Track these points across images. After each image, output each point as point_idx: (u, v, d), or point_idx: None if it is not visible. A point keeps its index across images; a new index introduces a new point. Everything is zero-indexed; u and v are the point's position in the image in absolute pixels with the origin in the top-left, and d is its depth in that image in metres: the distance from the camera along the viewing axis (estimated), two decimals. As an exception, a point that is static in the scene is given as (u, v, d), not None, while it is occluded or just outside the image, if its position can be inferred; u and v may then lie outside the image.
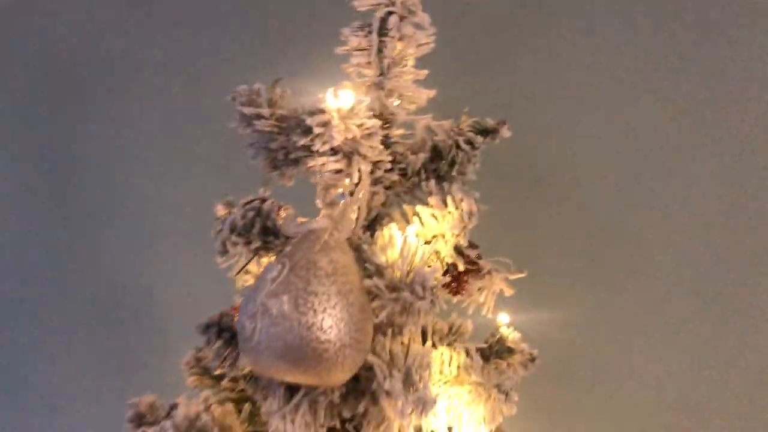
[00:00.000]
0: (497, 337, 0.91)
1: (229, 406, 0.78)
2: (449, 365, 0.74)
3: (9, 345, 1.60)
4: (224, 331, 0.75)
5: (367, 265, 0.72)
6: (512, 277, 0.88)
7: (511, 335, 0.92)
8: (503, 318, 0.93)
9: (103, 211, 1.55)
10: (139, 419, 0.83)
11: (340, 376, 0.67)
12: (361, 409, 0.72)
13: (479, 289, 0.87)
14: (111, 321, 1.55)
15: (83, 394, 1.56)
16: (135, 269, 1.55)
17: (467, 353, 0.79)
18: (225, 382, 0.90)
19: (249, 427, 0.80)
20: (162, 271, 1.53)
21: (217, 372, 0.90)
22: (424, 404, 0.68)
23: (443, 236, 0.76)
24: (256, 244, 0.75)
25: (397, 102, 0.83)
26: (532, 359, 0.91)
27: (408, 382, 0.69)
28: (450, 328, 0.88)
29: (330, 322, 0.63)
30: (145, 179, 1.54)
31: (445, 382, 0.74)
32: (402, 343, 0.72)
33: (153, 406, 0.84)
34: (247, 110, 0.77)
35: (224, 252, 0.75)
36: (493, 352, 0.88)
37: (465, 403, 0.72)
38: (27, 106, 1.56)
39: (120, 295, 1.55)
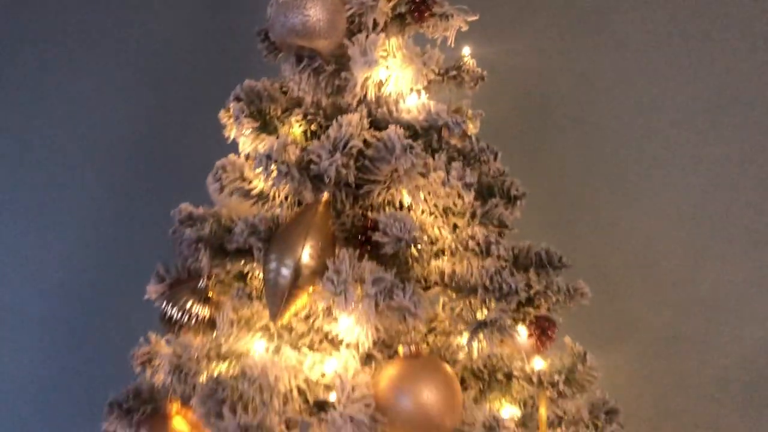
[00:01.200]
0: (459, 63, 1.33)
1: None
2: (396, 50, 1.19)
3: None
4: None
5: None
6: (469, 18, 1.29)
7: (470, 62, 1.33)
8: (465, 50, 1.34)
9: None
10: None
11: (324, 42, 1.15)
12: (343, 76, 1.20)
13: (444, 29, 1.30)
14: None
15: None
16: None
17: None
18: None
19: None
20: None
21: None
22: (370, 62, 1.14)
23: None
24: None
25: None
26: (482, 77, 1.32)
27: (363, 52, 1.16)
28: (424, 53, 1.31)
29: (311, 4, 1.12)
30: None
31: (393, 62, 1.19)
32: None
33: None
34: None
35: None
36: (448, 69, 1.30)
37: (399, 67, 1.17)
38: None
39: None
